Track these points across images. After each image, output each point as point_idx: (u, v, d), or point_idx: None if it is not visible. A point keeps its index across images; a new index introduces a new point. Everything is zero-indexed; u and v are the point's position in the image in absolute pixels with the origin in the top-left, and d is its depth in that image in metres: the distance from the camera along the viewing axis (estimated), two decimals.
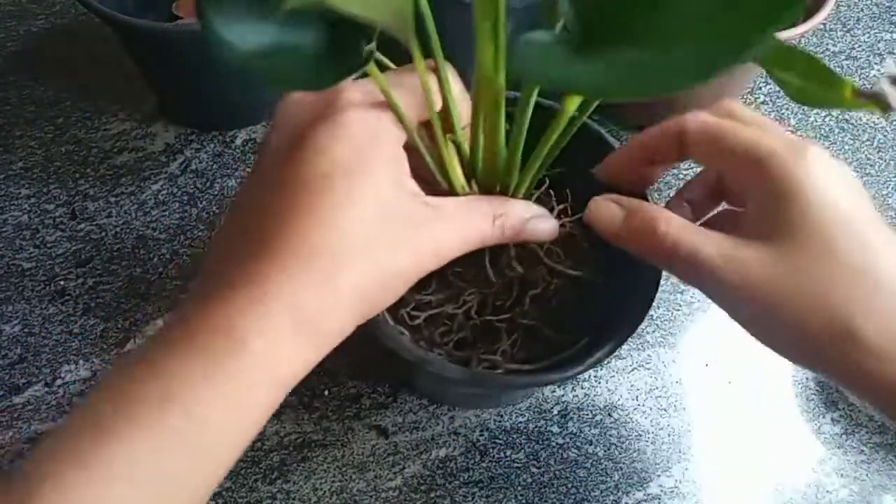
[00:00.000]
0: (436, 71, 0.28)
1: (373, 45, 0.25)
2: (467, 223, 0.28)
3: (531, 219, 0.30)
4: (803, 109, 0.62)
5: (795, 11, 0.16)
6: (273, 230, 0.24)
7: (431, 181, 0.31)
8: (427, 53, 0.27)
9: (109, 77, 0.59)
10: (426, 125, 0.30)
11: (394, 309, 0.35)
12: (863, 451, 0.47)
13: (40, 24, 0.62)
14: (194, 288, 0.25)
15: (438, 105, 0.29)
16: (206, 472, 0.22)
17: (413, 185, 0.27)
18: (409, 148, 0.29)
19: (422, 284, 0.35)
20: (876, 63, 0.65)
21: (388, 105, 0.27)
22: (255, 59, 0.23)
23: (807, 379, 0.49)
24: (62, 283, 0.49)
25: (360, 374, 0.47)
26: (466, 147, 0.31)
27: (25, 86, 0.59)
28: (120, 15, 0.45)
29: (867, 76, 0.64)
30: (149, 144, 0.56)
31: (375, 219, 0.25)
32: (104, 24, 0.47)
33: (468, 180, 0.32)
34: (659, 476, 0.45)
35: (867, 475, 0.46)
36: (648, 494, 0.44)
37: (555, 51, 0.22)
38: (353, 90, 0.27)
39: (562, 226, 0.36)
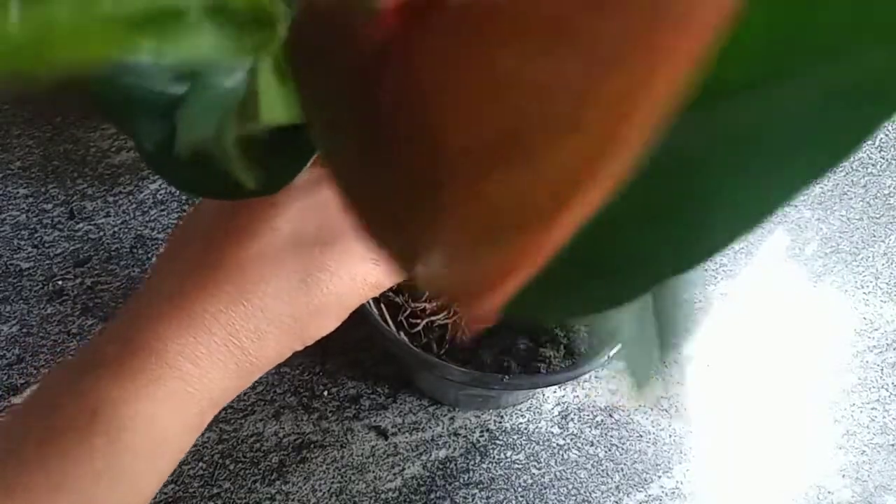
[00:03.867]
0: None
1: None
2: None
3: None
4: None
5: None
6: (212, 260, 0.24)
7: None
8: None
9: None
10: None
11: (393, 314, 0.35)
12: (864, 451, 0.47)
13: None
14: (132, 303, 0.25)
15: None
16: (134, 495, 0.23)
17: None
18: None
19: (417, 293, 0.36)
20: None
21: None
22: (178, 168, 0.22)
23: (809, 380, 0.49)
24: (60, 283, 0.49)
25: (360, 374, 0.47)
26: None
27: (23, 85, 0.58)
28: None
29: None
30: None
31: (315, 244, 0.25)
32: None
33: None
34: (660, 477, 0.45)
35: (869, 476, 0.46)
36: (649, 495, 0.44)
37: None
38: None
39: None
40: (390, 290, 0.36)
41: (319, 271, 0.25)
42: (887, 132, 0.61)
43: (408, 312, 0.35)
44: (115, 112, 0.22)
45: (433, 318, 0.35)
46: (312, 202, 0.26)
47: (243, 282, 0.24)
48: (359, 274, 0.26)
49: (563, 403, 0.47)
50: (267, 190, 0.23)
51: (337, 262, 0.26)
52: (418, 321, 0.35)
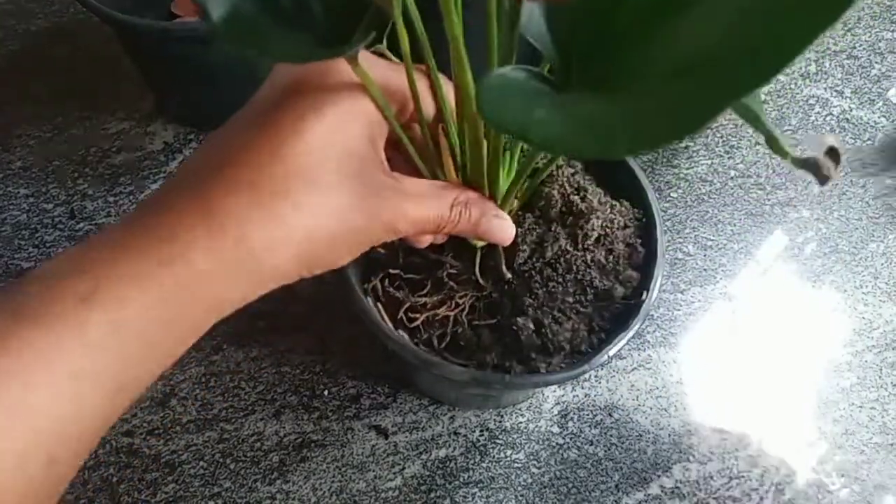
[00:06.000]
0: (428, 75, 0.28)
1: (372, 38, 0.25)
2: (426, 202, 0.28)
3: (491, 216, 0.30)
4: (804, 108, 0.62)
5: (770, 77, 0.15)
6: (236, 160, 0.25)
7: (417, 173, 0.31)
8: (417, 54, 0.27)
9: (108, 76, 0.59)
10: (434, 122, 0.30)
11: (392, 311, 0.35)
12: (863, 451, 0.47)
13: (39, 24, 0.62)
14: (149, 199, 0.25)
15: (430, 105, 0.29)
16: (125, 375, 0.22)
17: (383, 156, 0.28)
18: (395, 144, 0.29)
19: (417, 286, 0.36)
20: (877, 62, 0.65)
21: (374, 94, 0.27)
22: (237, 30, 0.23)
23: (808, 379, 0.49)
24: None
25: (360, 374, 0.47)
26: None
27: (24, 85, 0.59)
28: (118, 14, 0.45)
29: (868, 75, 0.64)
30: (147, 143, 0.56)
31: (339, 170, 0.25)
32: (103, 23, 0.47)
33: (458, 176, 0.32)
34: (659, 476, 0.45)
35: (868, 475, 0.46)
36: (649, 495, 0.44)
37: (521, 93, 0.21)
38: (349, 72, 0.27)
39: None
40: (391, 285, 0.36)
41: (337, 197, 0.25)
42: (886, 133, 0.61)
43: (407, 306, 0.35)
44: None
45: (434, 312, 0.35)
46: (339, 128, 0.26)
47: (263, 188, 0.24)
48: (373, 209, 0.26)
49: (563, 403, 0.47)
50: (328, 52, 0.24)
51: (353, 193, 0.26)
52: (417, 315, 0.35)
